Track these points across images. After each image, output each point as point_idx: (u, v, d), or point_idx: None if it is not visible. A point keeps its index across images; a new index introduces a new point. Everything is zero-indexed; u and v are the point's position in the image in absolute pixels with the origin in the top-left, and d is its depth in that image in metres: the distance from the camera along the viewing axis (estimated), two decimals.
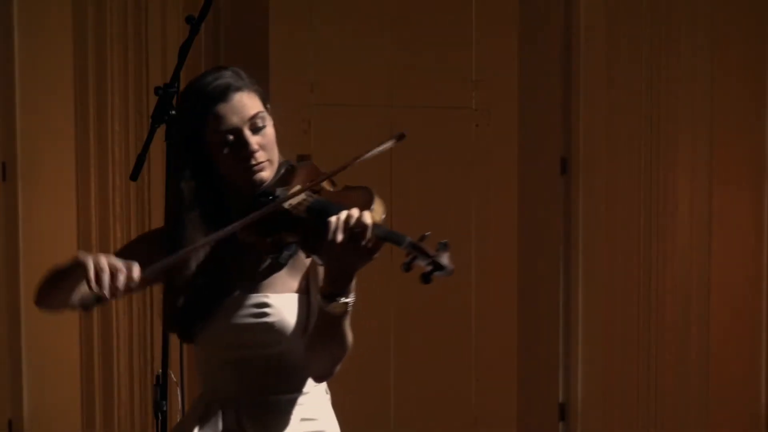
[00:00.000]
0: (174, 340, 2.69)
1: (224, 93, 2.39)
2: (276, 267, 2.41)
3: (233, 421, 2.45)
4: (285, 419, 2.47)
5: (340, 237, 2.21)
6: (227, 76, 2.42)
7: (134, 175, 2.92)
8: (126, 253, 2.41)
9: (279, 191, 2.39)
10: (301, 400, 2.49)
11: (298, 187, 2.36)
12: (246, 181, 2.41)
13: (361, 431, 4.68)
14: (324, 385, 2.56)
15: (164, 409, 2.75)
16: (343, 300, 2.28)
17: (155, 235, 2.51)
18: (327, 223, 2.21)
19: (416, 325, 4.72)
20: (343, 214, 2.22)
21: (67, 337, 4.75)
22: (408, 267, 2.20)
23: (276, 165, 2.45)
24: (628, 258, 4.53)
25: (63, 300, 2.41)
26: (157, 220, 4.50)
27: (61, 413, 4.80)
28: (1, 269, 4.75)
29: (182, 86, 2.78)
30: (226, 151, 2.40)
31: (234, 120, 2.39)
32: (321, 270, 2.34)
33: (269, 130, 2.43)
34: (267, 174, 2.42)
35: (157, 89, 2.80)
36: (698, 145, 4.43)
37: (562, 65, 4.58)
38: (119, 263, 2.22)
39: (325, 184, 2.41)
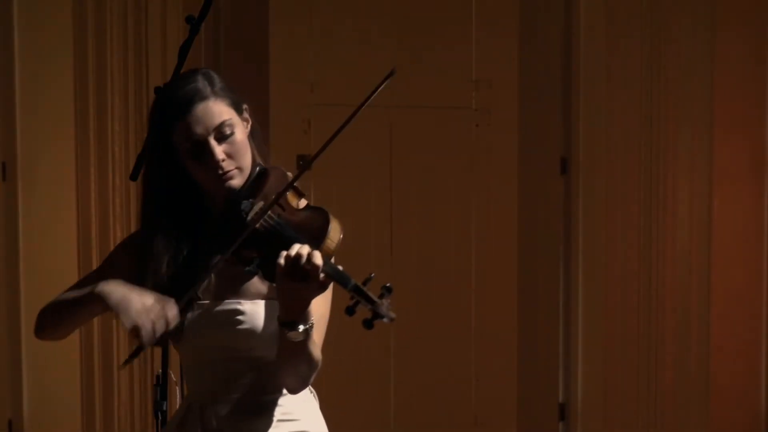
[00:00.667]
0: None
1: (189, 103, 2.37)
2: (247, 276, 2.40)
3: (212, 422, 2.46)
4: (264, 420, 2.47)
5: (290, 275, 2.21)
6: (196, 83, 2.40)
7: (134, 175, 2.92)
8: (113, 264, 2.45)
9: (245, 205, 2.37)
10: (281, 401, 2.48)
11: (261, 204, 2.35)
12: (217, 189, 2.41)
13: (361, 431, 4.68)
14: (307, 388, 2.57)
15: (164, 409, 2.75)
16: (301, 327, 2.27)
17: (134, 240, 2.51)
18: (277, 262, 2.21)
19: (416, 325, 4.72)
20: (293, 251, 2.21)
21: (67, 338, 4.75)
22: (351, 311, 2.20)
23: (247, 171, 2.43)
24: (628, 258, 4.53)
25: (71, 329, 2.43)
26: None
27: (61, 413, 4.80)
28: (1, 269, 4.75)
29: None
30: (193, 161, 2.39)
31: (198, 130, 2.37)
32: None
33: (238, 137, 2.41)
34: (237, 182, 2.41)
35: (157, 89, 2.80)
36: (698, 145, 4.43)
37: (562, 65, 4.58)
38: (156, 313, 2.23)
39: (291, 197, 2.39)
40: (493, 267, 4.68)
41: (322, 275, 2.21)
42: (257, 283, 2.42)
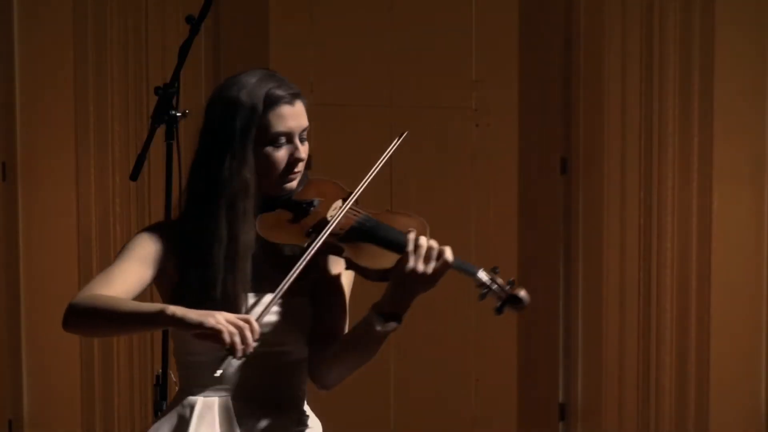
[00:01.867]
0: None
1: (296, 96, 2.44)
2: (281, 270, 2.39)
3: (230, 417, 2.45)
4: (289, 420, 2.48)
5: (419, 266, 2.32)
6: (292, 84, 2.46)
7: (134, 175, 2.92)
8: (139, 256, 2.40)
9: (316, 202, 2.44)
10: (301, 405, 2.51)
11: (339, 202, 2.44)
12: (277, 184, 2.44)
13: (361, 431, 4.68)
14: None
15: (164, 409, 2.75)
16: (396, 324, 2.38)
17: (161, 230, 2.47)
18: (406, 251, 2.31)
19: (416, 325, 4.72)
20: (424, 241, 2.32)
21: (67, 337, 4.73)
22: (483, 297, 2.38)
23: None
24: (628, 258, 4.53)
25: (110, 335, 2.41)
26: (157, 220, 4.50)
27: (61, 413, 4.80)
28: (1, 269, 4.75)
29: (182, 87, 2.78)
30: (272, 150, 2.42)
31: (292, 124, 2.43)
32: (343, 280, 2.47)
33: (307, 147, 2.48)
34: (295, 185, 2.47)
35: (157, 89, 2.80)
36: (698, 145, 4.43)
37: (562, 65, 4.58)
38: (241, 322, 2.22)
39: (337, 204, 2.46)
40: (493, 267, 4.67)
41: (444, 270, 2.32)
42: (297, 280, 2.40)
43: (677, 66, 4.44)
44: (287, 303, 2.41)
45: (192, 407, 2.46)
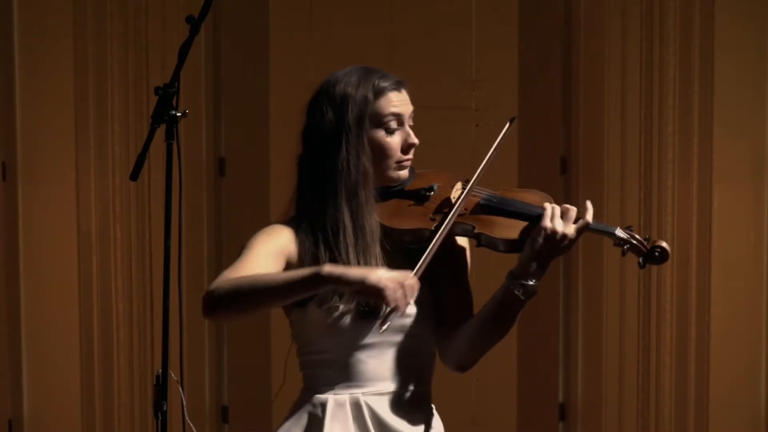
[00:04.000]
0: (174, 340, 2.69)
1: (399, 83, 2.51)
2: (412, 260, 2.40)
3: (362, 415, 2.45)
4: (423, 411, 2.54)
5: (559, 226, 2.39)
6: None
7: (134, 175, 2.92)
8: (266, 251, 2.39)
9: (435, 187, 2.53)
10: (425, 398, 2.56)
11: (460, 184, 2.54)
12: (391, 172, 2.49)
13: None
14: None
15: (164, 409, 2.75)
16: (535, 282, 2.42)
17: (280, 229, 2.46)
18: (544, 214, 2.39)
19: None
20: (566, 206, 2.42)
21: (67, 337, 4.75)
22: (624, 253, 2.49)
23: None
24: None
25: (262, 310, 2.36)
26: (157, 220, 4.51)
27: (61, 413, 4.80)
28: (2, 269, 4.75)
29: (182, 87, 2.78)
30: (386, 135, 2.48)
31: (404, 108, 2.51)
32: (464, 262, 2.56)
33: None
34: (406, 173, 2.52)
35: (157, 89, 2.79)
36: (698, 145, 4.43)
37: (562, 65, 4.58)
38: (401, 278, 2.22)
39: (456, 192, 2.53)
40: (493, 267, 4.67)
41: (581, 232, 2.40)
42: (414, 265, 2.40)
43: (677, 66, 4.44)
44: (422, 291, 2.39)
45: (323, 406, 2.45)
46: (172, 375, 2.79)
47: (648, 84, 4.47)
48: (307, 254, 2.42)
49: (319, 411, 2.45)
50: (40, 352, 4.79)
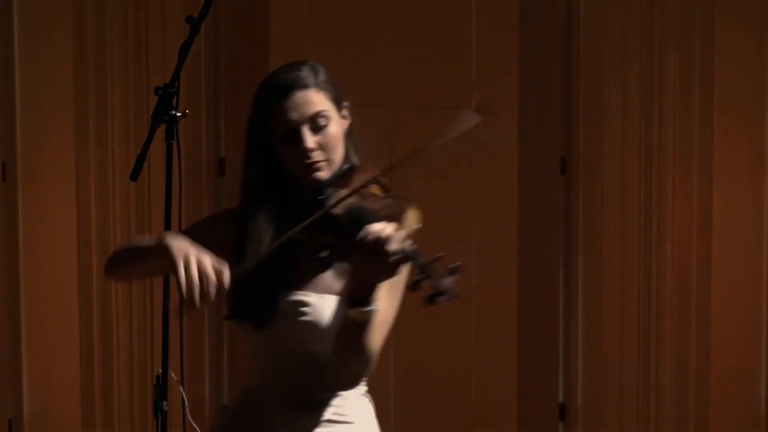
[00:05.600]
0: (174, 340, 2.69)
1: (289, 89, 2.43)
2: (320, 267, 2.43)
3: (263, 415, 2.47)
4: (314, 418, 2.48)
5: (368, 251, 2.24)
6: (300, 72, 2.46)
7: (134, 175, 2.92)
8: (202, 231, 2.48)
9: (327, 192, 2.42)
10: (335, 401, 2.50)
11: (344, 192, 2.39)
12: (305, 178, 2.45)
13: None
14: (362, 389, 2.58)
15: (164, 409, 2.75)
16: (363, 309, 2.29)
17: (228, 213, 2.56)
18: (358, 236, 2.24)
19: (416, 325, 4.72)
20: (377, 227, 2.25)
21: (67, 337, 4.75)
22: (416, 286, 2.25)
23: (336, 165, 2.48)
24: (628, 258, 4.53)
25: (137, 275, 2.52)
26: (157, 220, 4.51)
27: (61, 413, 4.80)
28: (1, 269, 4.75)
29: (182, 87, 2.78)
30: (286, 147, 2.44)
31: (294, 116, 2.43)
32: None
33: (331, 130, 2.46)
34: (324, 174, 2.45)
35: (157, 89, 2.79)
36: (698, 145, 4.43)
37: (562, 65, 4.58)
38: (210, 271, 2.23)
39: (375, 190, 2.42)
40: (493, 267, 4.68)
41: (397, 257, 2.24)
42: (330, 279, 2.44)
43: (677, 66, 4.44)
44: (304, 300, 2.42)
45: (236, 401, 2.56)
46: (172, 375, 2.79)
47: (648, 84, 4.47)
48: (229, 242, 2.48)
49: (234, 404, 2.57)
50: (40, 352, 4.79)
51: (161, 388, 2.79)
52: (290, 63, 2.51)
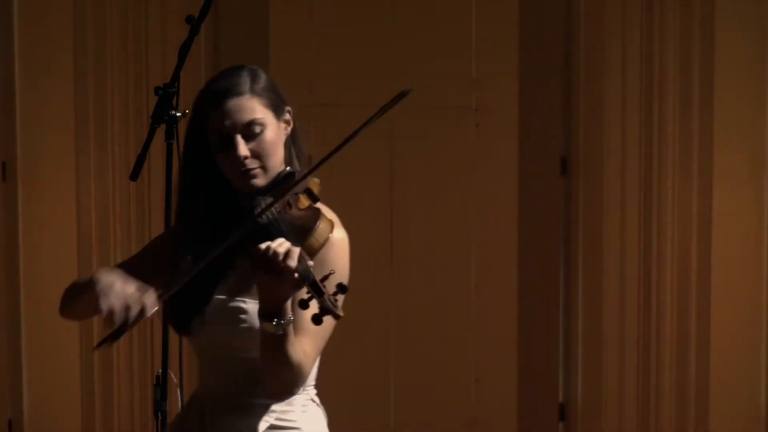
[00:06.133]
0: (174, 340, 2.70)
1: (223, 96, 2.41)
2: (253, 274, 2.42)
3: (207, 420, 2.49)
4: (255, 422, 2.47)
5: (263, 268, 2.23)
6: (237, 78, 2.43)
7: (134, 175, 2.92)
8: (153, 254, 2.51)
9: (257, 201, 2.39)
10: (277, 407, 2.48)
11: (270, 200, 2.36)
12: (241, 185, 2.44)
13: (361, 431, 4.68)
14: (309, 393, 2.55)
15: (164, 409, 2.75)
16: (276, 321, 2.26)
17: (175, 232, 2.55)
18: (252, 252, 2.24)
19: (416, 325, 4.72)
20: (266, 246, 2.23)
21: (67, 337, 4.75)
22: (305, 305, 2.21)
23: (273, 171, 2.45)
24: (627, 258, 4.53)
25: (83, 313, 2.51)
26: (157, 220, 4.51)
27: (61, 413, 4.80)
28: (1, 269, 4.75)
29: (182, 87, 2.78)
30: (221, 154, 2.43)
31: (227, 123, 2.40)
32: None
33: (267, 137, 2.42)
34: (259, 181, 2.43)
35: (157, 89, 2.80)
36: (698, 145, 4.43)
37: (562, 65, 4.58)
38: (132, 300, 2.26)
39: (303, 199, 2.39)
40: (493, 267, 4.68)
41: (295, 275, 2.21)
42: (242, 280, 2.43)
43: (677, 66, 4.44)
44: (241, 306, 2.43)
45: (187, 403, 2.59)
46: (172, 375, 2.79)
47: (648, 84, 4.47)
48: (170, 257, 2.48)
49: (183, 409, 2.60)
50: (40, 352, 4.79)
51: (161, 388, 2.79)
52: (230, 68, 2.49)
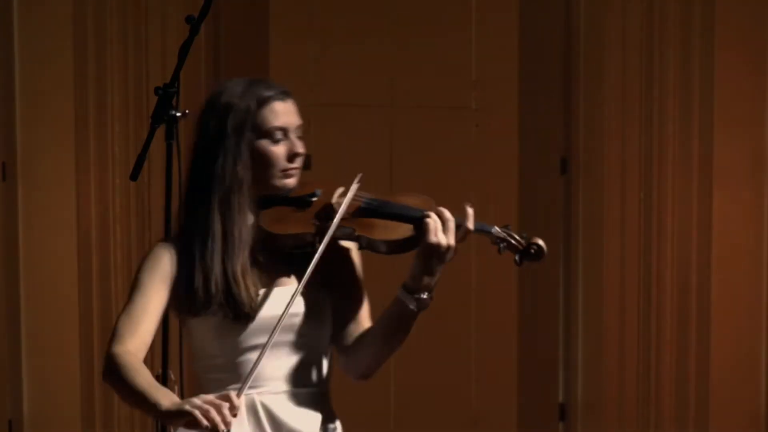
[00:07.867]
0: (174, 340, 2.70)
1: (287, 93, 2.49)
2: (293, 263, 2.44)
3: (257, 414, 2.47)
4: (314, 410, 2.51)
5: (441, 237, 2.42)
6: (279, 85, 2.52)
7: (134, 175, 2.92)
8: (152, 283, 2.42)
9: (318, 192, 2.49)
10: (320, 396, 2.54)
11: (341, 189, 2.49)
12: (277, 180, 2.48)
13: (361, 431, 4.68)
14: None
15: None
16: (427, 294, 2.47)
17: (164, 247, 2.49)
18: (425, 222, 2.41)
19: (416, 325, 4.71)
20: (446, 214, 2.47)
21: (67, 337, 4.75)
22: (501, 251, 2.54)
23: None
24: (628, 258, 4.53)
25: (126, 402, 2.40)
26: (157, 220, 4.51)
27: (61, 413, 4.80)
28: (1, 269, 4.75)
29: (182, 87, 2.78)
30: (270, 144, 2.46)
31: (286, 119, 2.47)
32: (355, 268, 2.54)
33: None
34: (294, 182, 2.50)
35: (157, 89, 2.80)
36: (698, 145, 4.43)
37: (562, 65, 4.58)
38: (217, 400, 2.23)
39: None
40: (493, 267, 4.67)
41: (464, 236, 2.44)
42: (297, 270, 2.44)
43: (677, 66, 4.45)
44: (306, 294, 2.43)
45: None
46: (172, 375, 2.79)
47: (648, 84, 4.47)
48: (182, 279, 2.44)
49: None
50: (40, 352, 4.79)
51: None
52: (258, 78, 2.54)
